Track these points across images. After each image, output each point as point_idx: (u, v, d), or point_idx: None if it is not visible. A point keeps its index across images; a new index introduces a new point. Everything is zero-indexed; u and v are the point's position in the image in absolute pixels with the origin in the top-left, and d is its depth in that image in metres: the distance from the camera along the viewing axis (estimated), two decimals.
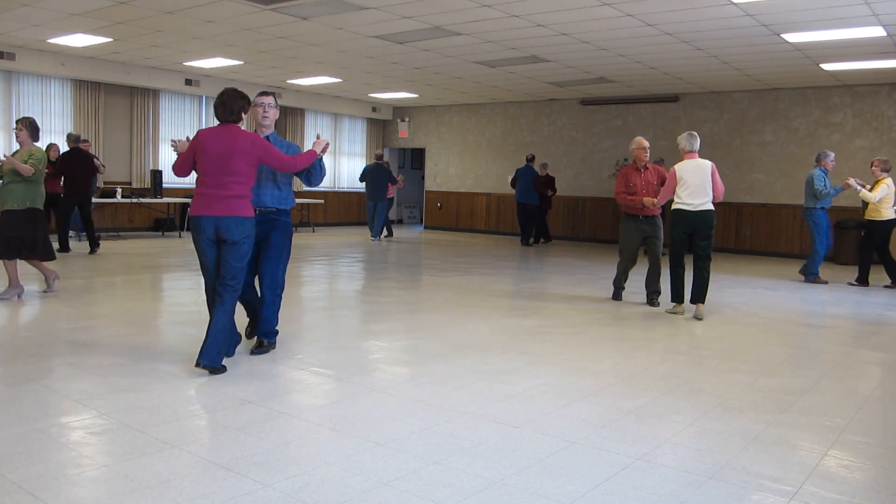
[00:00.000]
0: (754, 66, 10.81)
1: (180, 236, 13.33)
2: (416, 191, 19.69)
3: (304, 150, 4.62)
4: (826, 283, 9.24)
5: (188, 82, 13.77)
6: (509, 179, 14.40)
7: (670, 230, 6.56)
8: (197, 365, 4.07)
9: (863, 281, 9.01)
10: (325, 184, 16.37)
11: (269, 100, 4.62)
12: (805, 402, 3.96)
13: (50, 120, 12.43)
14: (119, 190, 12.54)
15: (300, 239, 13.74)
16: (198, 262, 4.34)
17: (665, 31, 8.81)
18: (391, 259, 10.99)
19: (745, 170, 13.13)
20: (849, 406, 3.92)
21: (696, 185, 6.38)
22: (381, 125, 18.61)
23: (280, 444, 3.06)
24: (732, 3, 7.45)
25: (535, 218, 14.00)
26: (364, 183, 14.12)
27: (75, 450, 2.95)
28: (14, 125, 6.32)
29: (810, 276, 9.34)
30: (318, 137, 4.65)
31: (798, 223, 12.21)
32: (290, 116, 16.35)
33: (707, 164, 6.45)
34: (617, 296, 7.45)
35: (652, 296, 7.20)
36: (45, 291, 6.54)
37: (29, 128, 6.32)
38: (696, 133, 6.65)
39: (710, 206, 6.43)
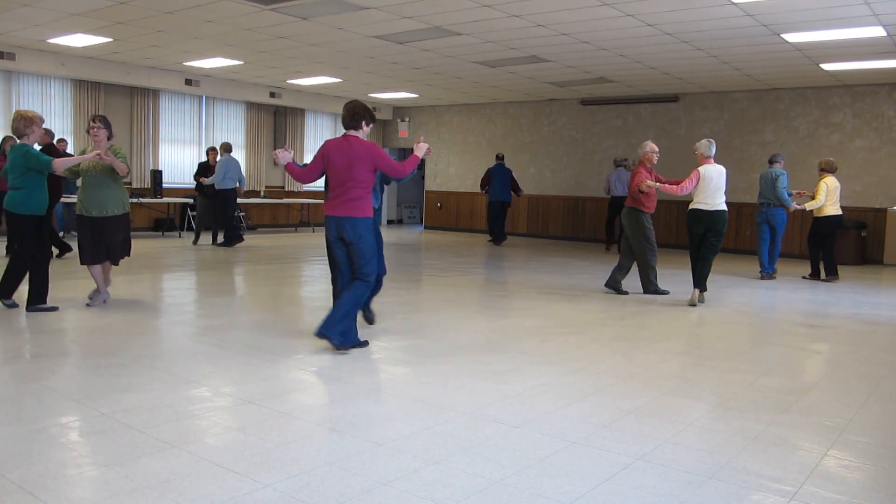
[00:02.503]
0: (754, 66, 10.82)
1: (180, 236, 13.33)
2: (416, 191, 19.68)
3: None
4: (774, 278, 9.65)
5: (188, 82, 13.77)
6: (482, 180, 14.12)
7: (688, 227, 7.23)
8: (316, 334, 4.61)
9: (831, 273, 9.44)
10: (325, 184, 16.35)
11: None
12: (805, 402, 3.96)
13: (50, 120, 12.40)
14: None
15: (301, 239, 13.75)
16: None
17: (665, 31, 8.81)
18: (391, 259, 10.98)
19: (745, 170, 13.12)
20: (849, 406, 3.92)
21: (715, 187, 7.07)
22: (381, 125, 18.60)
23: (280, 444, 3.06)
24: (732, 3, 7.45)
25: (502, 217, 13.91)
26: None
27: (75, 450, 2.96)
28: (91, 123, 5.90)
29: (769, 270, 9.69)
30: (420, 140, 4.99)
31: (798, 223, 12.19)
32: (290, 116, 16.36)
33: (723, 169, 7.20)
34: (658, 290, 7.70)
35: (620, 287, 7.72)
36: (88, 304, 6.15)
37: (108, 126, 5.95)
38: (713, 140, 7.34)
39: (725, 207, 7.14)
